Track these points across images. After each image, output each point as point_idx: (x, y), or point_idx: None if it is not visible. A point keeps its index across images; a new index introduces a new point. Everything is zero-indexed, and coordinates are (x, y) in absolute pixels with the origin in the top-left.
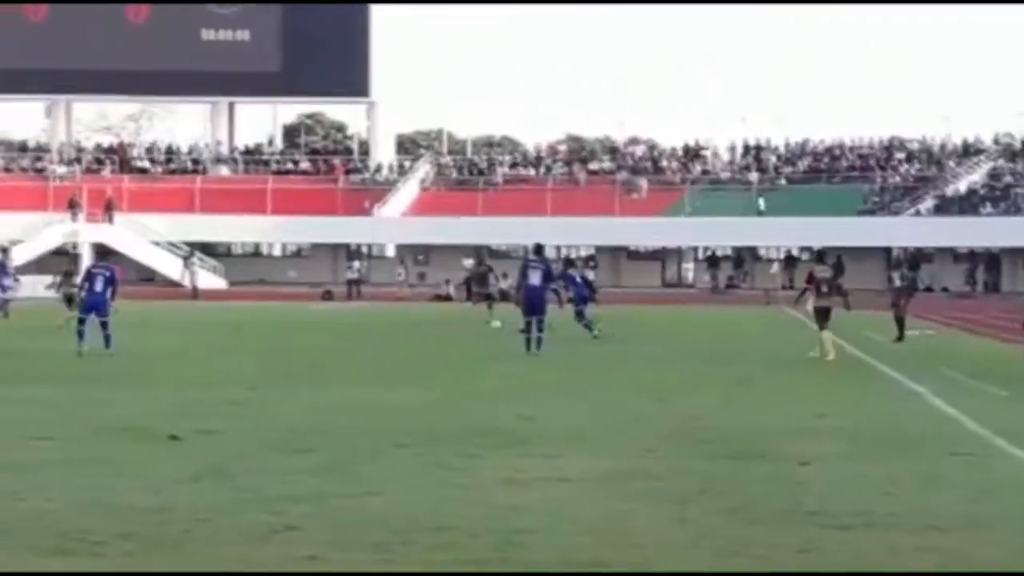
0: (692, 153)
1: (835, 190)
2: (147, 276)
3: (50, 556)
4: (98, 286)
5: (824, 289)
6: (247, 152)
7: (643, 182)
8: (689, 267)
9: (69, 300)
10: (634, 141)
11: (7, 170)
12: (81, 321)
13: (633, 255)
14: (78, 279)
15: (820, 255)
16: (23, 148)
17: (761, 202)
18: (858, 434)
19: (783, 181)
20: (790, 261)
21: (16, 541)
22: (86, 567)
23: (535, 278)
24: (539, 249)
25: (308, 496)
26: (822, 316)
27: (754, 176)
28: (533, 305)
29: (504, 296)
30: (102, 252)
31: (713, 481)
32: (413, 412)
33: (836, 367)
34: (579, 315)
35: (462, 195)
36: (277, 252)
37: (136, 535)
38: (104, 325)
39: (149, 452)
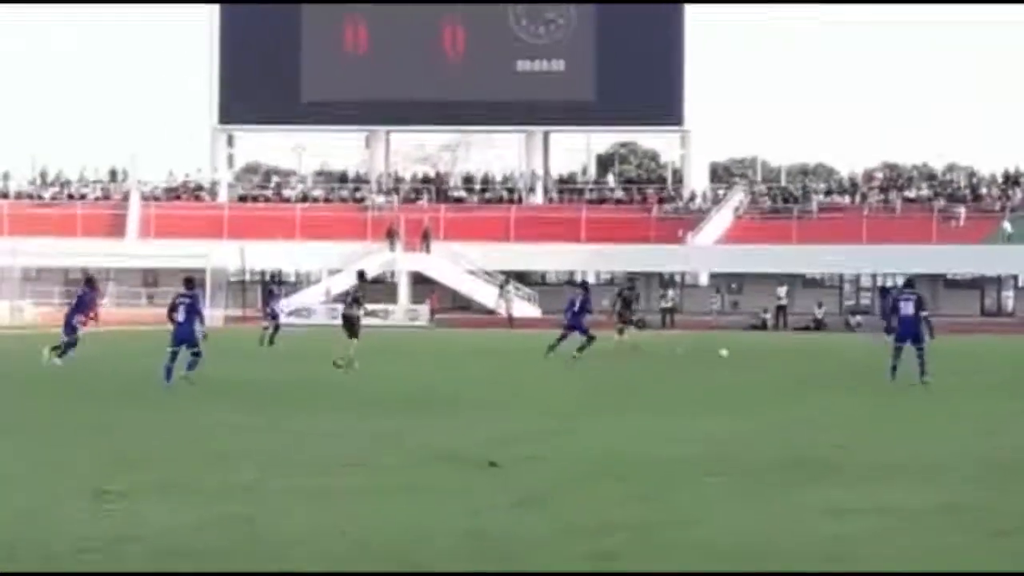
0: (1012, 180)
1: None
2: (463, 304)
3: None
4: (180, 316)
5: None
6: (562, 181)
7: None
8: (1009, 295)
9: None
10: (953, 168)
11: (328, 200)
12: (173, 355)
13: (951, 283)
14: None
15: None
16: (343, 179)
17: (1007, 225)
18: None
19: None
20: None
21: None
22: None
23: (908, 308)
24: (911, 283)
25: (627, 525)
26: None
27: None
28: (908, 333)
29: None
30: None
31: None
32: (727, 441)
33: None
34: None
35: (776, 223)
36: (591, 280)
37: (458, 560)
38: (196, 355)
39: (467, 479)
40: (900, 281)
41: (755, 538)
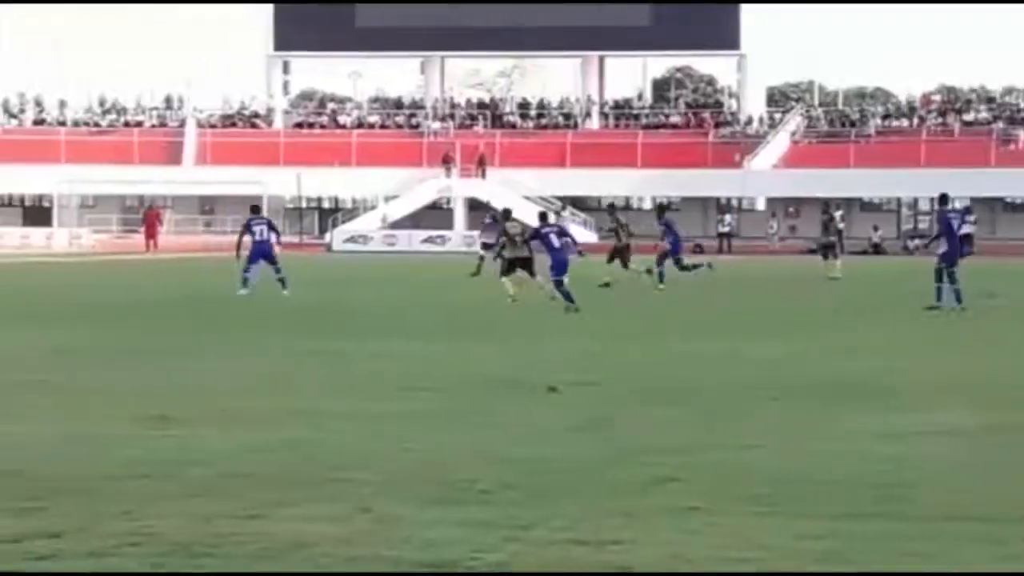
0: None
1: None
2: None
3: (438, 505)
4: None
5: None
6: (617, 106)
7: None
8: None
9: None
10: (1011, 91)
11: (383, 126)
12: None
13: (1010, 207)
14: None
15: None
16: (399, 105)
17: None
18: None
19: None
20: None
21: (405, 490)
22: (474, 516)
23: (963, 227)
24: (945, 199)
25: (686, 448)
26: None
27: None
28: (963, 252)
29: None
30: (475, 206)
31: None
32: (784, 364)
33: None
34: (679, 264)
35: (833, 147)
36: (647, 206)
37: (519, 485)
38: (277, 270)
39: (528, 403)
40: (959, 204)
41: (811, 461)
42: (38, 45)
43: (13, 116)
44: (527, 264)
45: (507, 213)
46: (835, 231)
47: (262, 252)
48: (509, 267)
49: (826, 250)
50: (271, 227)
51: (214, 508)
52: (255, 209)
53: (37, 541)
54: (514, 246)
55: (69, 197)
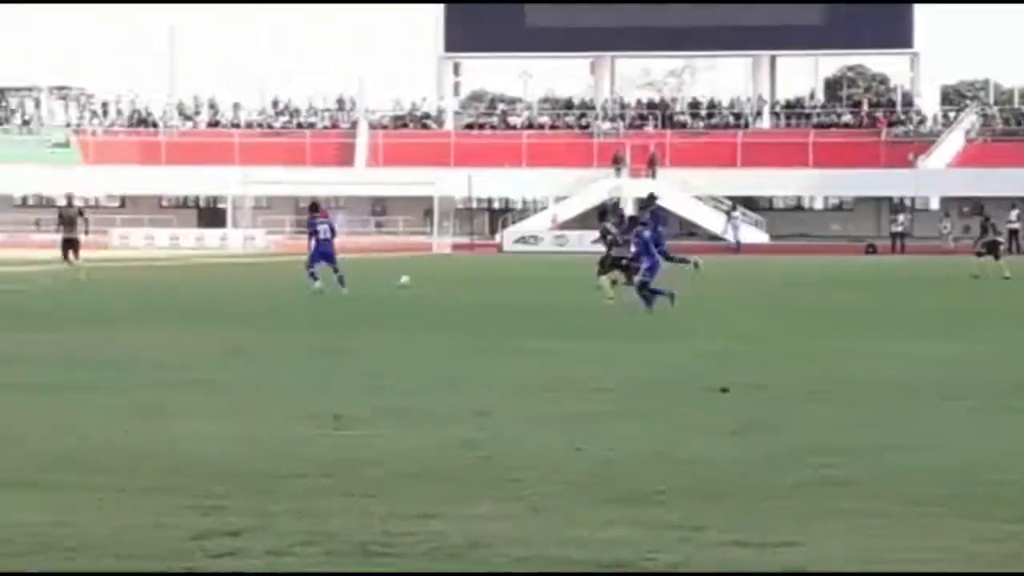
0: None
1: None
2: (689, 230)
3: (610, 505)
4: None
5: None
6: (788, 106)
7: None
8: None
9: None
10: None
11: (554, 127)
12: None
13: None
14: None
15: None
16: (569, 105)
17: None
18: None
19: None
20: None
21: (578, 490)
22: (646, 517)
23: None
24: None
25: (855, 449)
26: None
27: None
28: None
29: None
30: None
31: None
32: (960, 365)
33: None
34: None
35: (1009, 146)
36: (819, 206)
37: (691, 485)
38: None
39: (698, 404)
40: None
41: (988, 462)
42: (213, 47)
43: (188, 118)
44: (627, 264)
45: (603, 214)
46: (995, 230)
47: (324, 253)
48: (612, 265)
49: (994, 249)
50: (331, 227)
51: (388, 507)
52: (314, 207)
53: (216, 539)
54: (618, 245)
55: (243, 198)
